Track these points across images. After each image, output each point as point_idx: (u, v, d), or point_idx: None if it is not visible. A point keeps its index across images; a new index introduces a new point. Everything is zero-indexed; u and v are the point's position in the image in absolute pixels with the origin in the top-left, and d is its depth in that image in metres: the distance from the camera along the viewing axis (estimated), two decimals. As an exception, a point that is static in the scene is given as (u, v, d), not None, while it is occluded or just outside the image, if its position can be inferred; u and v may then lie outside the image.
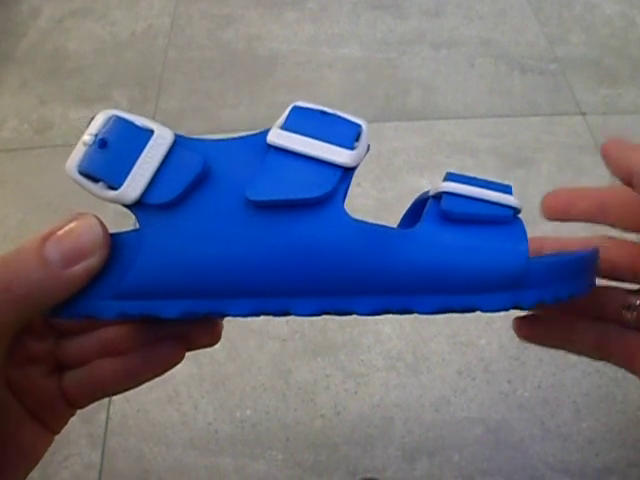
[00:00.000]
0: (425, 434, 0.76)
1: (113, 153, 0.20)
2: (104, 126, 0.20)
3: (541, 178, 1.01)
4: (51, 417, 0.23)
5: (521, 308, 0.21)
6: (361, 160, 0.21)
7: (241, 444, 0.76)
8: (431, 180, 1.00)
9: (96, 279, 0.20)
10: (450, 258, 0.20)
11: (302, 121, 0.21)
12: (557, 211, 0.25)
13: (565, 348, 0.26)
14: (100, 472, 0.75)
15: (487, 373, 0.79)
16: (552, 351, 0.29)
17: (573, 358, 0.77)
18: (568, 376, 0.78)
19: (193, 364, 0.82)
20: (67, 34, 1.33)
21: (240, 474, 0.74)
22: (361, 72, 1.20)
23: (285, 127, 0.21)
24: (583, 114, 1.11)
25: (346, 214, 0.20)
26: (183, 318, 0.21)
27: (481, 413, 0.77)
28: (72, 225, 0.19)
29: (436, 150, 1.06)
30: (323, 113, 0.21)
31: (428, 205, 0.22)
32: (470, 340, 0.81)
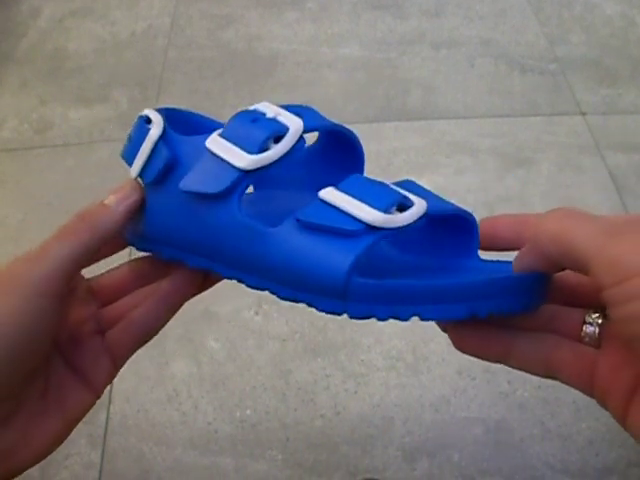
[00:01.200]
0: (425, 434, 0.76)
1: (131, 144, 0.28)
2: (134, 124, 0.28)
3: (541, 178, 1.01)
4: (94, 374, 0.27)
5: (352, 317, 0.23)
6: (270, 161, 0.24)
7: (241, 444, 0.76)
8: (431, 180, 1.00)
9: (136, 222, 0.27)
10: (290, 259, 0.23)
11: (235, 127, 0.25)
12: (502, 239, 0.23)
13: (506, 363, 0.24)
14: (100, 472, 0.75)
15: (487, 373, 0.79)
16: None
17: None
18: (568, 376, 0.78)
19: (193, 364, 0.82)
20: (67, 34, 1.33)
21: (240, 474, 0.74)
22: (361, 72, 1.20)
23: (222, 134, 0.25)
24: (583, 114, 1.11)
25: (237, 210, 0.24)
26: (173, 261, 0.27)
27: (481, 413, 0.77)
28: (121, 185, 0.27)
29: (436, 150, 1.06)
30: (255, 119, 0.25)
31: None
32: (470, 340, 0.81)
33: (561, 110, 1.12)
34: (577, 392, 0.23)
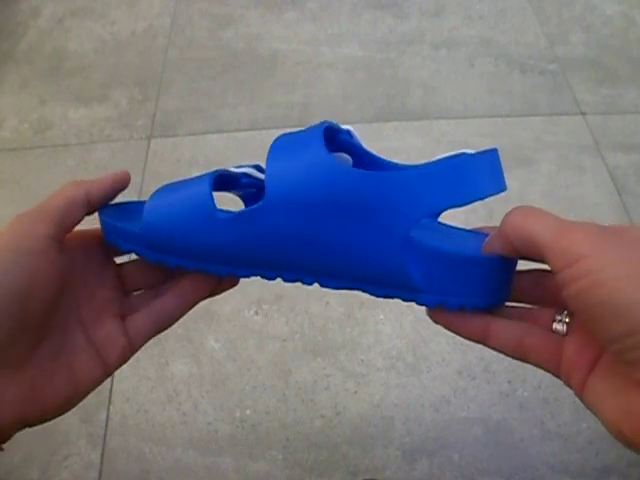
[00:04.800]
0: (425, 434, 0.76)
1: None
2: None
3: (541, 178, 1.01)
4: (109, 350, 0.29)
5: None
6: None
7: (241, 444, 0.76)
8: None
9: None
10: None
11: None
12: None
13: (484, 343, 0.27)
14: (100, 472, 0.75)
15: (487, 373, 0.79)
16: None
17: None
18: (568, 376, 0.78)
19: (193, 364, 0.82)
20: (67, 34, 1.33)
21: (240, 474, 0.74)
22: (361, 72, 1.20)
23: None
24: (583, 114, 1.11)
25: None
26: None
27: (481, 413, 0.77)
28: None
29: (436, 150, 1.06)
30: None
31: None
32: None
33: (561, 110, 1.12)
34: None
